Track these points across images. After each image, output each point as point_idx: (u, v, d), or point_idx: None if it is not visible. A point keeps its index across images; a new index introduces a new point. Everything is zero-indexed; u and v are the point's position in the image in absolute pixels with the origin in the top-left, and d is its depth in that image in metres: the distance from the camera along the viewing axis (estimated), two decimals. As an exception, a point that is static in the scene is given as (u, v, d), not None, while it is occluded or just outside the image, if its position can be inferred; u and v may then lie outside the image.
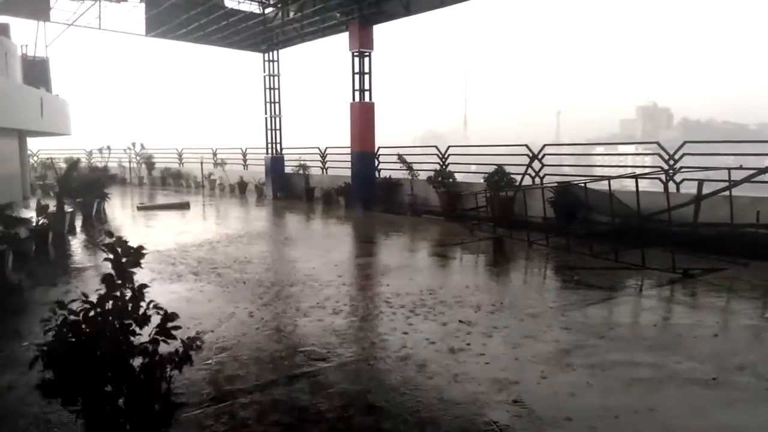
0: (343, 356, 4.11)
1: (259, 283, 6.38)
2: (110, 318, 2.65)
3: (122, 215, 13.75)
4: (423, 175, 13.64)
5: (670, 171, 8.98)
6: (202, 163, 21.35)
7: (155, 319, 2.76)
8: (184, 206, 15.01)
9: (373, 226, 11.57)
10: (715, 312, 5.25)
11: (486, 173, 11.69)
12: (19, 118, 12.04)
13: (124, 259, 2.73)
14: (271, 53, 17.86)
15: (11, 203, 8.11)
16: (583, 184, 8.21)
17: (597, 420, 3.13)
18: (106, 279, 2.70)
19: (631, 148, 35.30)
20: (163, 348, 2.74)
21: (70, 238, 9.95)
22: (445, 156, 13.49)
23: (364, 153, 14.52)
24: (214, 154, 21.57)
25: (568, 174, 11.90)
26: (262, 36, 17.09)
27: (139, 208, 14.73)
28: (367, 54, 14.36)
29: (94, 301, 2.66)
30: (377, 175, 14.98)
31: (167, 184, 22.83)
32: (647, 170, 9.80)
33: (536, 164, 11.30)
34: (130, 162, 24.27)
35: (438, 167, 13.21)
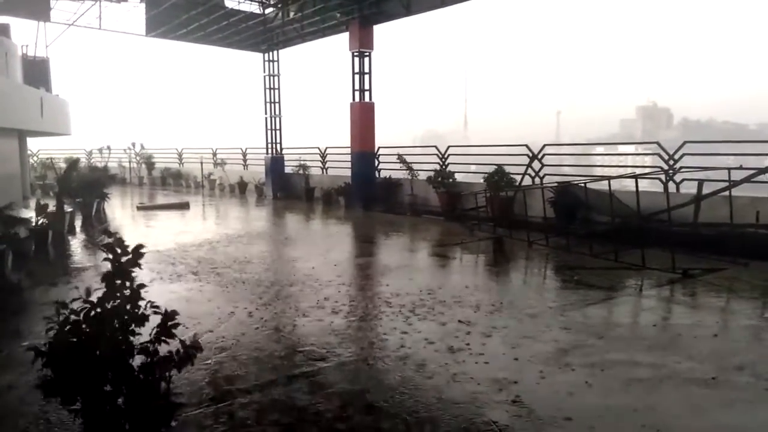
0: (342, 356, 4.11)
1: (258, 283, 6.38)
2: (110, 318, 2.65)
3: (122, 215, 13.75)
4: (423, 175, 13.64)
5: (670, 171, 8.98)
6: (202, 163, 21.36)
7: (154, 319, 2.76)
8: (184, 206, 15.01)
9: (373, 226, 11.57)
10: (714, 312, 5.25)
11: (486, 173, 11.69)
12: (19, 118, 12.03)
13: (123, 259, 2.73)
14: (271, 53, 17.86)
15: (11, 203, 8.11)
16: (583, 184, 8.21)
17: (596, 420, 3.13)
18: (106, 278, 2.70)
19: (631, 148, 35.33)
20: (163, 348, 2.74)
21: (69, 237, 9.95)
22: (445, 156, 13.49)
23: (364, 153, 14.52)
24: (214, 154, 21.57)
25: (568, 174, 11.90)
26: (263, 36, 17.09)
27: (138, 208, 14.73)
28: (367, 54, 14.36)
29: (95, 300, 2.67)
30: (377, 175, 14.98)
31: (167, 184, 22.83)
32: (647, 170, 9.80)
33: (536, 164, 11.29)
34: (130, 162, 24.28)
35: (438, 167, 13.21)
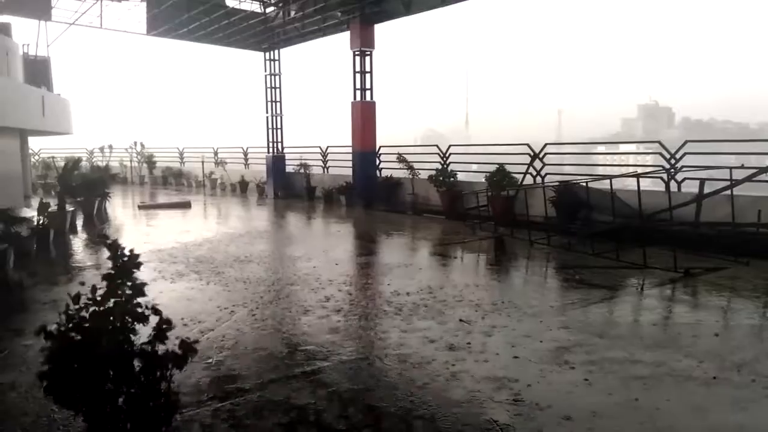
0: (343, 355, 4.12)
1: (259, 282, 6.38)
2: (111, 316, 2.65)
3: (123, 214, 13.76)
4: (424, 174, 13.64)
5: (672, 170, 8.97)
6: (203, 162, 21.37)
7: (154, 318, 2.76)
8: (186, 205, 15.02)
9: (374, 225, 11.57)
10: (715, 311, 5.24)
11: (487, 172, 11.68)
12: (21, 118, 12.03)
13: (124, 259, 2.74)
14: (272, 52, 17.86)
15: (13, 203, 8.12)
16: (584, 184, 8.21)
17: (596, 419, 3.13)
18: (107, 278, 2.70)
19: (632, 147, 35.34)
20: (162, 348, 2.74)
21: (71, 237, 9.96)
22: (447, 155, 13.48)
23: (365, 152, 14.52)
24: (216, 154, 21.58)
25: (570, 173, 11.87)
26: (264, 35, 17.09)
27: (140, 207, 14.75)
28: (369, 53, 14.35)
29: (96, 299, 2.67)
30: (378, 175, 14.98)
31: (168, 184, 22.84)
32: (649, 169, 9.78)
33: (537, 163, 11.28)
34: (131, 161, 24.30)
35: (439, 166, 13.21)
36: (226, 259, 7.67)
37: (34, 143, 21.36)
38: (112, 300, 2.66)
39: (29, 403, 3.35)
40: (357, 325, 4.85)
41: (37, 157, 23.30)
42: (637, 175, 7.55)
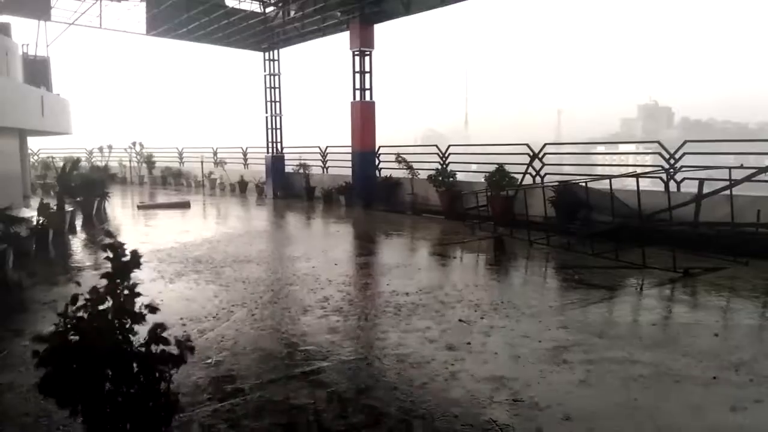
0: (342, 355, 4.12)
1: (259, 282, 6.38)
2: (109, 316, 2.65)
3: (123, 214, 13.76)
4: (423, 175, 13.64)
5: (671, 170, 8.98)
6: (202, 162, 21.36)
7: (151, 318, 2.76)
8: (185, 205, 15.01)
9: (374, 225, 11.57)
10: (715, 311, 5.24)
11: (487, 172, 11.69)
12: (20, 118, 12.02)
13: (123, 259, 2.73)
14: (271, 52, 17.85)
15: (12, 203, 8.12)
16: (583, 184, 8.21)
17: (596, 418, 3.13)
18: (107, 277, 2.70)
19: (632, 147, 35.35)
20: (160, 349, 2.74)
21: (70, 237, 9.96)
22: (446, 155, 13.48)
23: (364, 152, 14.52)
24: (215, 154, 21.57)
25: (569, 173, 11.88)
26: (263, 35, 17.09)
27: (139, 207, 14.74)
28: (368, 53, 14.35)
29: (94, 298, 2.67)
30: (378, 174, 14.98)
31: (168, 184, 22.83)
32: (648, 169, 9.79)
33: (537, 163, 11.28)
34: (130, 161, 24.29)
35: (438, 166, 13.21)
36: (225, 259, 7.67)
37: (34, 143, 21.37)
38: (111, 300, 2.66)
39: (29, 404, 3.34)
40: (356, 325, 4.85)
41: (36, 157, 23.29)
42: (637, 175, 7.56)
